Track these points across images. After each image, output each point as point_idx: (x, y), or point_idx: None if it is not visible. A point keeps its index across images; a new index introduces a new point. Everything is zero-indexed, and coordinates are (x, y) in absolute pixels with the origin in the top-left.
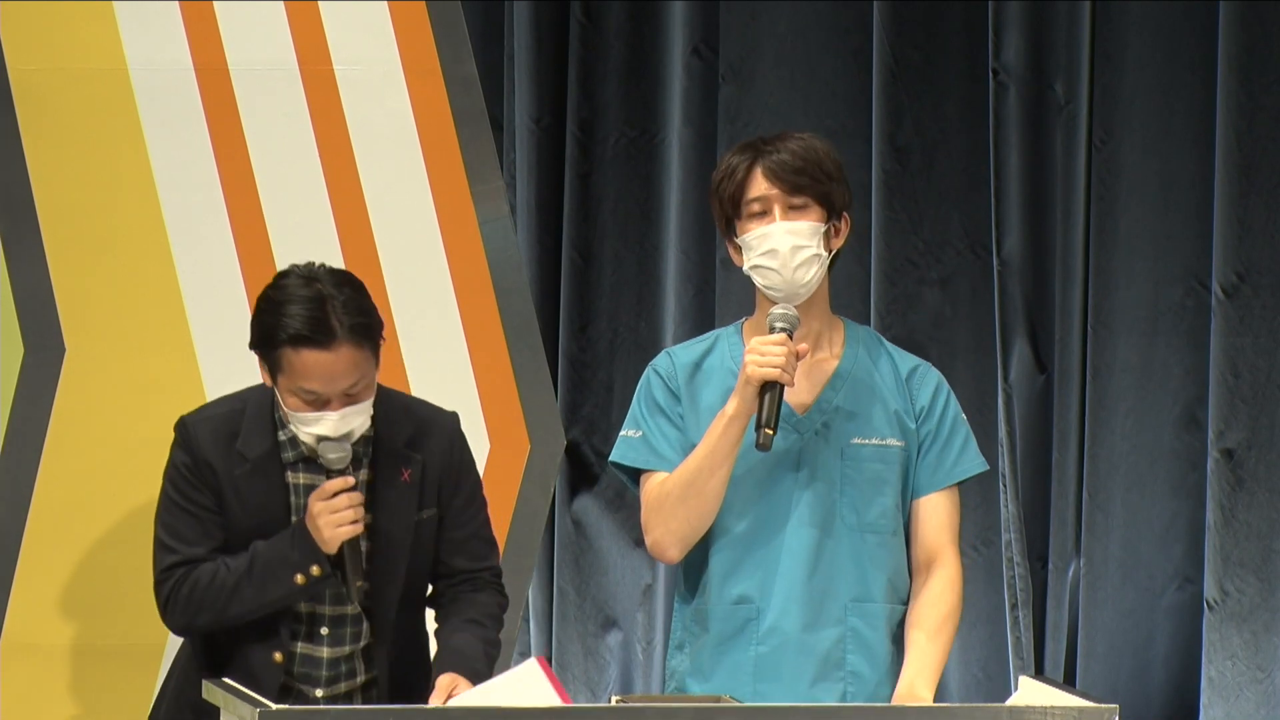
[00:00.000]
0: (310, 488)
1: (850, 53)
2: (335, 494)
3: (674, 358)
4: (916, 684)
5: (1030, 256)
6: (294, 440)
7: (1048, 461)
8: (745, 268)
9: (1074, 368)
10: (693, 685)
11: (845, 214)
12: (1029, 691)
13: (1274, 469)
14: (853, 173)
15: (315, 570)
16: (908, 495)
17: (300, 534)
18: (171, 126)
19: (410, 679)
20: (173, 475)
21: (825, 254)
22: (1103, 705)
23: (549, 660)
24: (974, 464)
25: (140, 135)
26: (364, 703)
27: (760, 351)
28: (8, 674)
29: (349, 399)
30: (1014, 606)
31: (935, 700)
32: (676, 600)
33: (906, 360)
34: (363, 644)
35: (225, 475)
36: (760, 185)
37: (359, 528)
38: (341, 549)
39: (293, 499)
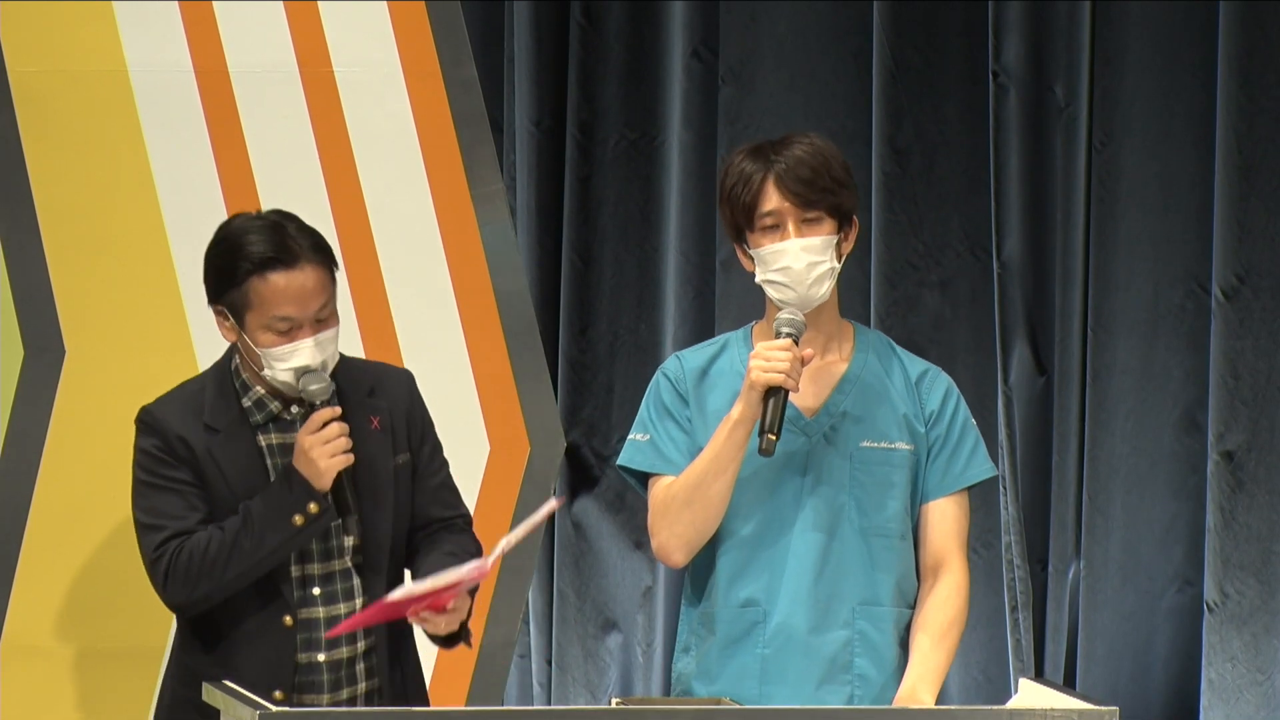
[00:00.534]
0: (283, 446)
1: (850, 55)
2: (324, 424)
3: (683, 361)
4: (919, 688)
5: (1030, 258)
6: (260, 402)
7: (1048, 464)
8: (758, 279)
9: (1074, 370)
10: (699, 688)
11: (854, 216)
12: (1029, 694)
13: (1274, 471)
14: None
15: (313, 507)
16: (916, 499)
17: (291, 475)
18: (171, 128)
19: (401, 647)
20: (143, 462)
21: (838, 265)
22: (1103, 708)
23: (549, 663)
24: (983, 469)
25: (140, 137)
26: (365, 666)
27: (765, 357)
28: (7, 676)
29: (320, 324)
30: (1014, 609)
31: (936, 703)
32: (683, 603)
33: (916, 364)
34: (358, 601)
35: (200, 448)
36: (773, 199)
37: (351, 457)
38: (338, 479)
39: (268, 460)
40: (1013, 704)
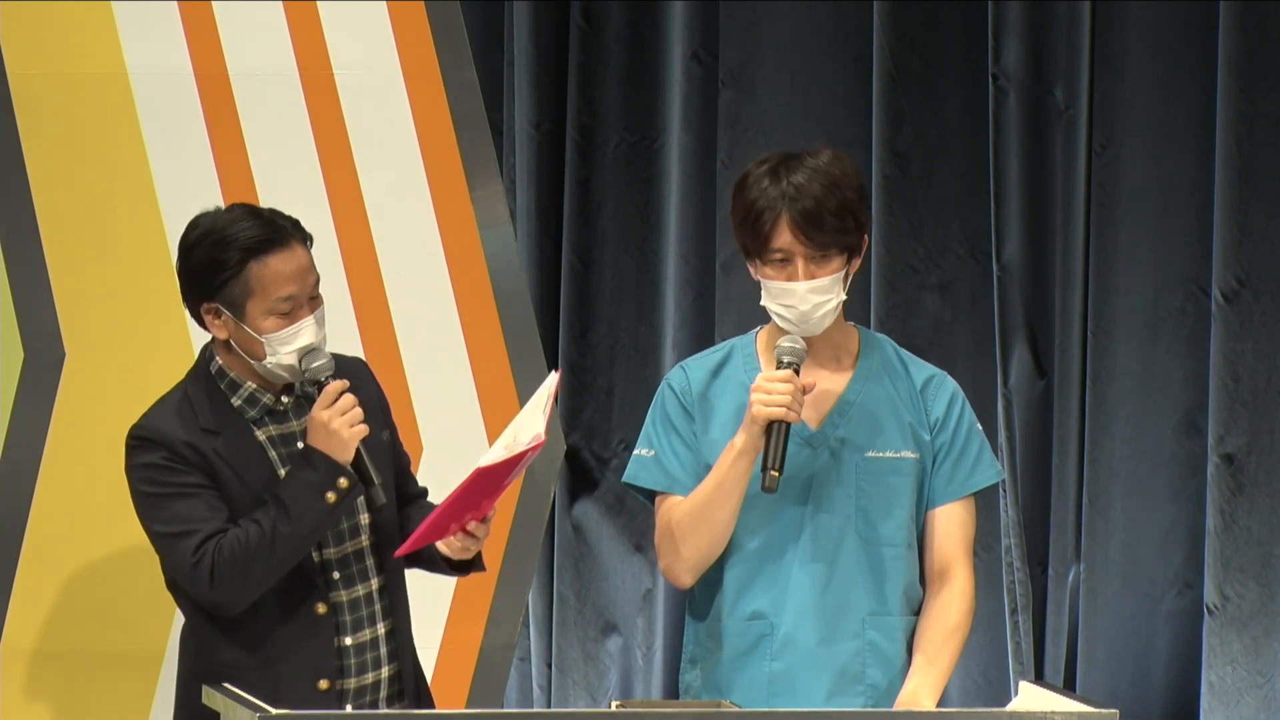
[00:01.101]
0: (283, 436)
1: (850, 58)
2: (338, 396)
3: (688, 372)
4: (920, 693)
5: (1030, 262)
6: (251, 398)
7: (1048, 467)
8: (763, 302)
9: (1074, 373)
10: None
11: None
12: (1029, 696)
13: (1274, 474)
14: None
15: (343, 483)
16: (922, 507)
17: (311, 455)
18: (171, 131)
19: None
20: (150, 476)
21: (844, 296)
22: (1103, 710)
23: (549, 666)
24: (989, 474)
25: (140, 140)
26: (387, 649)
27: (766, 390)
28: (7, 678)
29: (314, 301)
30: (1014, 611)
31: (936, 706)
32: (688, 616)
33: (922, 370)
34: (374, 581)
35: (207, 451)
36: (785, 237)
37: (367, 428)
38: (358, 450)
39: (272, 453)
40: (1013, 707)
